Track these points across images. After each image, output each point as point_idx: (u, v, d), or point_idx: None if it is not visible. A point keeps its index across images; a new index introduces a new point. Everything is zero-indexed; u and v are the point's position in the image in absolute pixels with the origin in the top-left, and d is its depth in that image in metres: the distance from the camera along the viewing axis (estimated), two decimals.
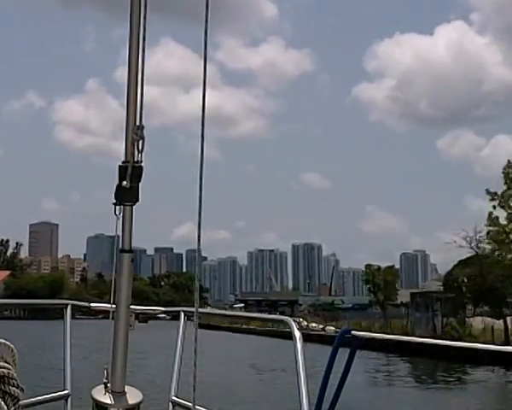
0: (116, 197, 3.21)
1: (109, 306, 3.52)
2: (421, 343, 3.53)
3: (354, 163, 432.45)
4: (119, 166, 3.15)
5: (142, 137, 3.08)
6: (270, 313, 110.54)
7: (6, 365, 2.30)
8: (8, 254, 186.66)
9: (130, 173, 3.12)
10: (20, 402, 2.30)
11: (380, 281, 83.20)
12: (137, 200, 3.21)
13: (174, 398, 4.04)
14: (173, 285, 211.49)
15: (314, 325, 3.62)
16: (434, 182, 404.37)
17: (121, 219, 3.28)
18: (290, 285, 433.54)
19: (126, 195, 3.18)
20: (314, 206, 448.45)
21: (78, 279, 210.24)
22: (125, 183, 3.14)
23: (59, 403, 3.98)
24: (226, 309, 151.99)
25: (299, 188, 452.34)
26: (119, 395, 3.45)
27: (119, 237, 3.35)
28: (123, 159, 3.16)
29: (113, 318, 3.42)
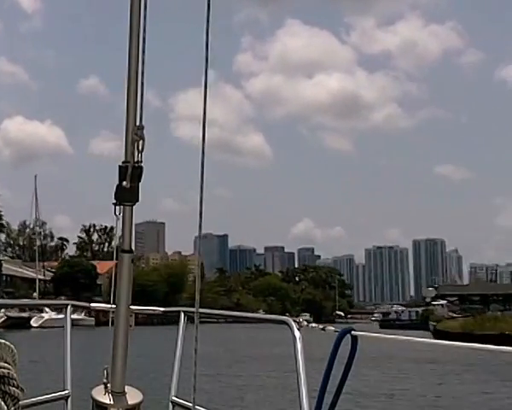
0: (116, 197, 3.22)
1: (109, 306, 3.53)
2: (421, 343, 3.53)
3: (498, 153, 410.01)
4: (119, 167, 3.16)
5: (143, 138, 3.08)
6: (483, 311, 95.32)
7: (6, 365, 2.30)
8: (114, 244, 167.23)
9: (131, 174, 3.12)
10: (20, 402, 2.30)
11: None
12: (137, 200, 3.22)
13: (174, 398, 4.05)
14: (311, 281, 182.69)
15: (314, 324, 3.62)
16: None
17: (121, 219, 3.28)
18: (412, 283, 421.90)
19: (126, 195, 3.18)
20: (444, 200, 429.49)
21: (191, 278, 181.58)
22: (125, 183, 3.14)
23: (59, 403, 3.98)
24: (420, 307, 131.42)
25: (432, 181, 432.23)
26: (119, 395, 3.45)
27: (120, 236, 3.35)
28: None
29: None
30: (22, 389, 2.32)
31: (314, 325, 3.60)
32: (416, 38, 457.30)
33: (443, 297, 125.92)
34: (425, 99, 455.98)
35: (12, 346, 2.39)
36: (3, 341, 2.38)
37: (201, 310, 3.31)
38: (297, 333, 3.50)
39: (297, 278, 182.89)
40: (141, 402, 3.52)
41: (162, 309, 4.97)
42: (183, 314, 4.25)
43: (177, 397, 4.04)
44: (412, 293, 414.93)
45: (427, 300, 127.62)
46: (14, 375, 2.31)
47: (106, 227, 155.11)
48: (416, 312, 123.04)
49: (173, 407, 4.06)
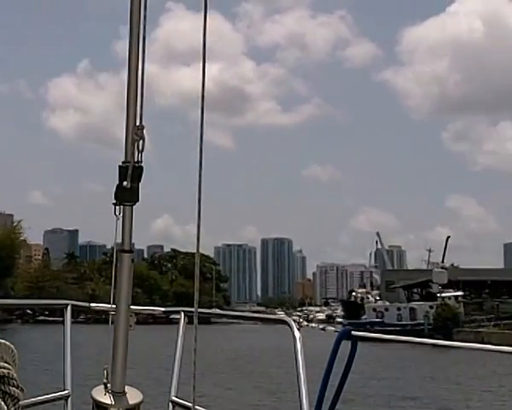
0: (116, 197, 3.22)
1: (109, 306, 3.53)
2: (421, 343, 3.54)
3: (368, 154, 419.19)
4: (120, 167, 3.16)
5: (143, 138, 3.09)
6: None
7: (6, 365, 2.30)
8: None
9: (131, 173, 3.12)
10: (20, 402, 2.30)
11: None
12: (138, 200, 3.22)
13: (174, 398, 4.04)
14: (183, 270, 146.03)
15: (314, 324, 3.64)
16: (430, 176, 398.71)
17: (121, 219, 3.28)
18: (259, 281, 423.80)
19: (127, 195, 3.18)
20: (303, 200, 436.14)
21: (36, 266, 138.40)
22: (125, 183, 3.15)
23: (59, 403, 3.98)
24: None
25: (298, 181, 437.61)
26: (119, 395, 3.45)
27: (121, 236, 3.34)
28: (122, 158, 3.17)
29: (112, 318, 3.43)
30: (22, 389, 2.32)
31: (314, 324, 3.61)
32: (303, 30, 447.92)
33: (457, 286, 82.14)
34: (307, 95, 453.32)
35: (12, 346, 2.39)
36: (3, 341, 2.38)
37: (201, 310, 3.32)
38: (297, 333, 3.51)
39: (163, 268, 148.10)
40: (141, 402, 3.53)
41: (162, 309, 4.97)
42: (183, 314, 4.26)
43: (176, 397, 4.04)
44: (259, 292, 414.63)
45: (435, 289, 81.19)
46: (15, 375, 2.31)
47: None
48: (411, 309, 79.87)
49: (173, 407, 4.06)
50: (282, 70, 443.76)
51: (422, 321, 74.41)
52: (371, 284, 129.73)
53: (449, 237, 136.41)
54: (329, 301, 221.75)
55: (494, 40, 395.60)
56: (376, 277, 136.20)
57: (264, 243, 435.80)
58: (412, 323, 74.89)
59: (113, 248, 3.48)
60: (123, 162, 3.16)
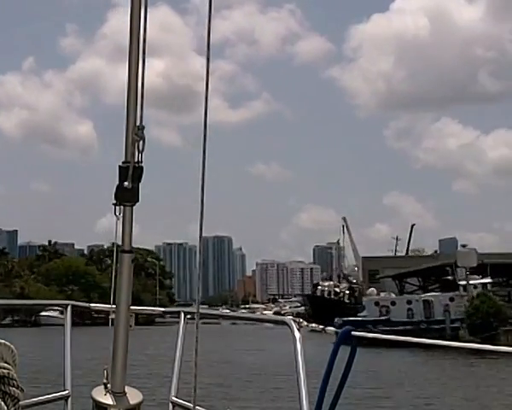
0: (116, 198, 3.22)
1: (109, 306, 3.53)
2: (421, 343, 3.54)
3: (314, 152, 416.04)
4: (120, 167, 3.16)
5: (143, 138, 3.08)
6: None
7: (6, 365, 2.30)
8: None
9: (132, 174, 3.13)
10: (20, 403, 2.30)
11: None
12: (138, 200, 3.22)
13: (174, 398, 4.05)
14: None
15: (314, 325, 3.64)
16: (370, 174, 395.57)
17: (121, 219, 3.28)
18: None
19: (127, 195, 3.19)
20: (248, 199, 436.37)
21: None
22: (126, 183, 3.15)
23: (59, 403, 3.98)
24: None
25: (243, 180, 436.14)
26: (119, 395, 3.45)
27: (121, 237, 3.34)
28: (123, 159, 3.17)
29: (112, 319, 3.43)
30: (22, 389, 2.32)
31: (314, 325, 3.61)
32: (252, 25, 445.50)
33: (483, 270, 60.88)
34: (256, 92, 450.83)
35: (12, 346, 2.39)
36: (3, 341, 2.38)
37: (202, 311, 3.31)
38: (297, 334, 3.51)
39: (103, 264, 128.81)
40: (141, 402, 3.53)
41: (162, 309, 4.98)
42: (183, 315, 4.26)
43: (176, 397, 4.04)
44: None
45: (461, 275, 60.58)
46: (15, 375, 2.31)
47: None
48: (426, 302, 59.35)
49: (173, 407, 4.06)
50: (231, 66, 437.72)
51: (442, 318, 57.12)
52: (339, 275, 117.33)
53: (413, 224, 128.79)
54: (276, 297, 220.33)
55: (439, 37, 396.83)
56: (347, 267, 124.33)
57: (204, 241, 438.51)
58: (429, 320, 57.04)
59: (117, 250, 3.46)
60: (123, 162, 3.16)
